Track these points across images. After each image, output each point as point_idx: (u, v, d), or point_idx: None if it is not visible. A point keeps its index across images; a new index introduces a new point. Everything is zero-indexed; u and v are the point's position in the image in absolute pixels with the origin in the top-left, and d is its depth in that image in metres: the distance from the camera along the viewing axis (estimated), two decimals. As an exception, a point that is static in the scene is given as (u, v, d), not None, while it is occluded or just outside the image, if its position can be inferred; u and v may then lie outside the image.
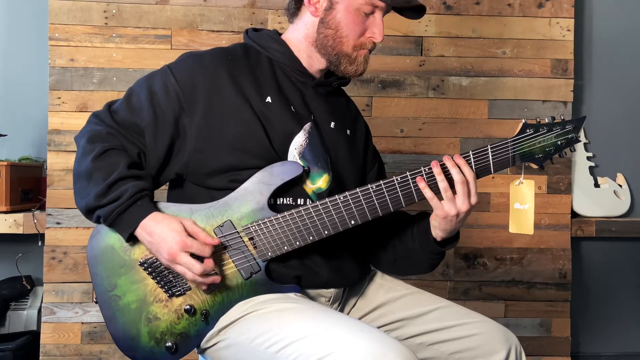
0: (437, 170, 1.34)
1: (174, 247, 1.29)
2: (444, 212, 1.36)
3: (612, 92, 2.75)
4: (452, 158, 1.35)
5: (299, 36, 1.50)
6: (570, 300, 2.59)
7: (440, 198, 1.35)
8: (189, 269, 1.29)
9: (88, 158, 1.35)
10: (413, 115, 2.53)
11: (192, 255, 1.30)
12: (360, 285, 1.56)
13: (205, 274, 1.31)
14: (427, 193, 1.35)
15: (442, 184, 1.34)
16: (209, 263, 1.31)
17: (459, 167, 1.34)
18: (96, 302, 1.40)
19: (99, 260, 1.38)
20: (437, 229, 1.41)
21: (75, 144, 1.43)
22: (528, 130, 1.36)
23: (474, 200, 1.36)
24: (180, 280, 1.36)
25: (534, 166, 1.39)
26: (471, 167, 1.36)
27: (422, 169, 1.36)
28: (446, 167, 1.34)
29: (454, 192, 1.35)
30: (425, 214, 1.48)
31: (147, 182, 1.36)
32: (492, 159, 1.36)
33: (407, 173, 1.36)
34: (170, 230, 1.29)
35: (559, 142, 1.38)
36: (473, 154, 1.36)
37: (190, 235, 1.31)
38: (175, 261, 1.30)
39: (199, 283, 1.33)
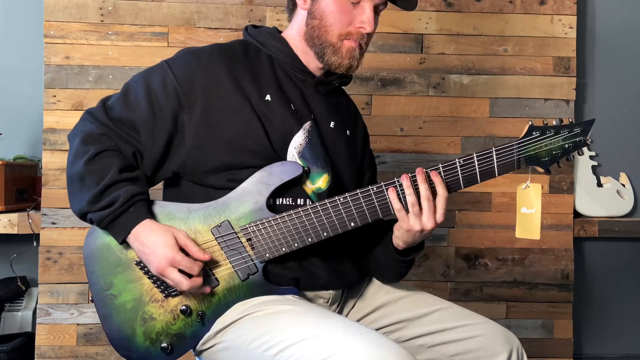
0: (406, 184, 1.30)
1: (162, 262, 1.28)
2: (408, 225, 1.32)
3: (615, 90, 2.74)
4: (426, 172, 1.31)
5: (294, 32, 1.49)
6: (573, 302, 2.57)
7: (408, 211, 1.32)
8: (176, 285, 1.30)
9: (81, 161, 1.34)
10: (413, 114, 2.51)
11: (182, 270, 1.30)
12: (359, 287, 1.54)
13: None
14: (396, 205, 1.32)
15: (410, 197, 1.30)
16: (197, 281, 1.30)
17: (431, 183, 1.31)
18: (92, 301, 1.40)
19: (96, 259, 1.37)
20: (399, 239, 1.38)
21: (69, 143, 1.42)
22: (534, 133, 1.32)
23: (440, 218, 1.32)
24: (176, 281, 1.35)
25: (540, 170, 1.36)
26: (444, 184, 1.31)
27: (395, 180, 1.33)
28: (415, 182, 1.31)
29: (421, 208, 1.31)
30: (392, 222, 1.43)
31: (140, 186, 1.35)
32: (497, 162, 1.33)
33: (409, 174, 1.33)
34: (162, 244, 1.29)
35: (567, 146, 1.34)
36: (477, 157, 1.33)
37: (182, 247, 1.30)
38: (164, 275, 1.30)
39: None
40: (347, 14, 1.41)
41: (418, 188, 1.31)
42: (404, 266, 1.46)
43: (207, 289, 1.33)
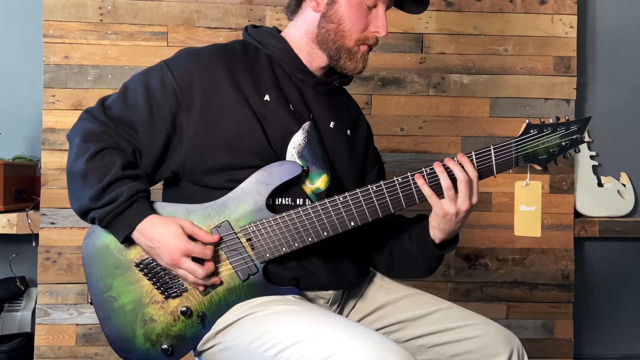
0: (439, 169, 1.32)
1: (175, 253, 1.28)
2: (444, 210, 1.33)
3: (616, 89, 2.73)
4: (453, 158, 1.33)
5: (299, 33, 1.48)
6: (573, 302, 2.57)
7: (440, 197, 1.33)
8: (192, 273, 1.30)
9: (82, 158, 1.33)
10: (413, 114, 2.50)
11: (193, 258, 1.30)
12: (360, 287, 1.54)
13: (207, 277, 1.31)
14: (426, 190, 1.32)
15: (445, 181, 1.31)
16: (210, 266, 1.31)
17: (462, 165, 1.32)
18: (91, 303, 1.39)
19: (94, 260, 1.37)
20: (436, 229, 1.39)
21: (68, 142, 1.41)
22: (532, 131, 1.34)
23: (475, 199, 1.34)
24: (176, 282, 1.35)
25: (538, 167, 1.37)
26: (474, 166, 1.33)
27: (423, 169, 1.34)
28: (448, 167, 1.32)
29: (456, 191, 1.32)
30: (423, 216, 1.46)
31: (143, 183, 1.35)
32: (495, 160, 1.34)
33: (408, 174, 1.34)
34: (170, 235, 1.28)
35: (564, 143, 1.36)
36: (475, 155, 1.34)
37: (189, 236, 1.30)
38: (178, 266, 1.30)
39: (199, 285, 1.33)
40: (363, 19, 1.42)
41: (451, 173, 1.32)
42: (437, 261, 1.47)
43: (217, 279, 1.33)
